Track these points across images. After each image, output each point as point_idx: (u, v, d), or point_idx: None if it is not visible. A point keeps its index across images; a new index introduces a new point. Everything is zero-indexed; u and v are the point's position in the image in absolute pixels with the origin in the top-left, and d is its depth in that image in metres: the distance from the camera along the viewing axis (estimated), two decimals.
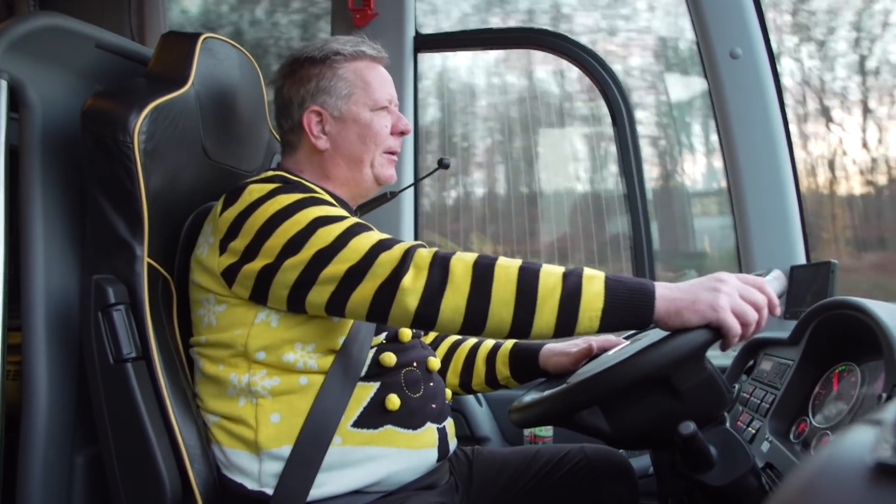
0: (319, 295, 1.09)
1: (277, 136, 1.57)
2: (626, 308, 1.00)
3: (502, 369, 1.44)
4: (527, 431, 1.92)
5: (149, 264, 1.22)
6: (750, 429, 1.41)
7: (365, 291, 1.06)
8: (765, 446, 1.29)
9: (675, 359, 0.97)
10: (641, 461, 1.70)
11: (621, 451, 1.47)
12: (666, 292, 0.99)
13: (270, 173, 1.27)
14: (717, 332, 0.98)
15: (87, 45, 1.32)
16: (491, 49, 2.31)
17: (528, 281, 1.02)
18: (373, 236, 1.10)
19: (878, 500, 0.38)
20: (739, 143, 1.88)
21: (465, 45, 2.28)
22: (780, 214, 1.86)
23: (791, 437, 1.28)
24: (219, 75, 1.39)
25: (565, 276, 1.02)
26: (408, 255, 1.05)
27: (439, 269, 1.03)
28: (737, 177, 1.90)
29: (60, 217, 1.23)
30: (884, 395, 0.98)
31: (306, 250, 1.10)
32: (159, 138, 1.23)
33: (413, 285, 1.03)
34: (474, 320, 1.03)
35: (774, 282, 1.07)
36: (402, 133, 1.37)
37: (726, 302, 0.97)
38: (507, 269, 1.03)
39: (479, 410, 1.99)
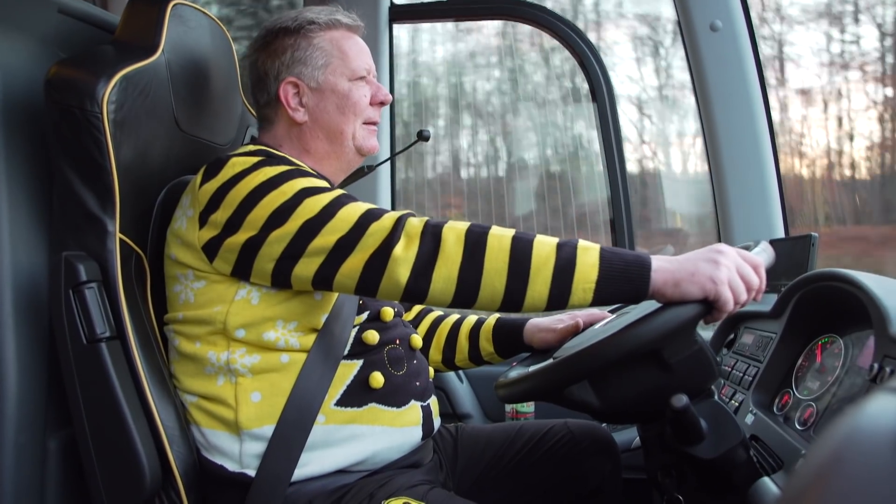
0: (307, 268, 1.06)
1: (251, 110, 1.52)
2: (622, 280, 0.98)
3: (486, 345, 1.42)
4: (508, 408, 1.92)
5: (121, 240, 1.17)
6: (733, 402, 1.41)
7: (354, 263, 1.03)
8: (749, 418, 1.29)
9: (668, 332, 0.96)
10: (625, 435, 1.71)
11: (605, 425, 1.47)
12: (663, 264, 0.98)
13: (252, 147, 1.23)
14: (709, 306, 0.97)
15: (49, 10, 1.26)
16: (468, 20, 2.27)
17: (521, 250, 0.99)
18: (361, 206, 1.07)
19: None
20: (719, 116, 1.87)
21: (442, 15, 2.24)
22: (760, 188, 1.86)
23: (774, 409, 1.29)
24: (190, 43, 1.34)
25: (559, 246, 1.00)
26: (399, 224, 1.02)
27: (431, 237, 1.00)
28: (716, 150, 1.89)
29: (26, 192, 1.17)
30: (875, 366, 0.98)
31: (292, 221, 1.06)
32: (129, 108, 1.17)
33: (405, 255, 1.00)
34: (466, 291, 1.00)
35: (763, 253, 1.07)
36: (382, 103, 1.34)
37: (725, 275, 0.95)
38: (501, 238, 1.00)
39: (461, 387, 1.98)
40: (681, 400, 0.97)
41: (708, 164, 1.94)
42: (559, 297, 0.99)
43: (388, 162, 2.16)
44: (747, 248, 1.07)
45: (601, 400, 1.06)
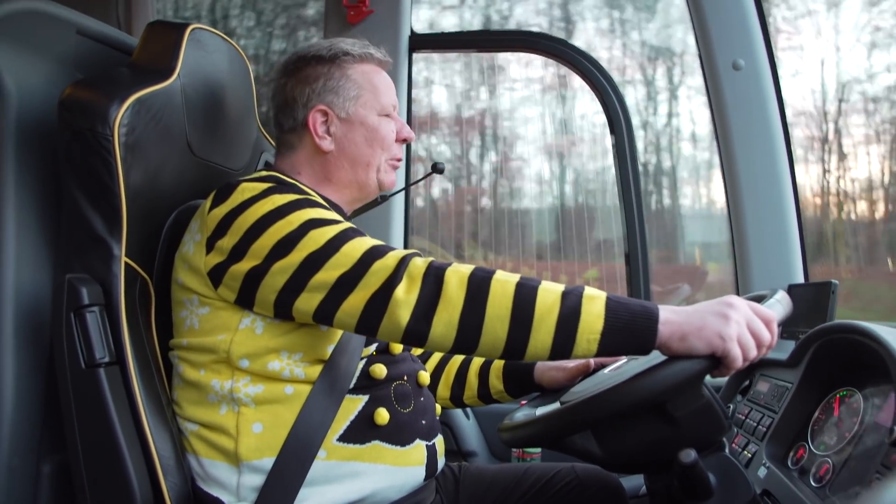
0: (308, 302, 1.04)
1: (267, 136, 1.51)
2: (627, 332, 0.94)
3: (496, 383, 1.39)
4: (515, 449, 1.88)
5: (126, 264, 1.16)
6: (746, 452, 1.37)
7: (355, 301, 1.01)
8: (762, 472, 1.25)
9: (672, 386, 0.94)
10: (634, 481, 1.66)
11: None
12: (671, 316, 0.94)
13: (264, 173, 1.22)
14: (717, 361, 0.93)
15: (68, 31, 1.26)
16: (487, 51, 2.26)
17: (525, 297, 0.96)
18: (366, 242, 1.05)
19: None
20: (739, 156, 1.84)
21: (462, 46, 2.24)
22: (780, 231, 1.82)
23: (789, 462, 1.25)
24: (207, 68, 1.34)
25: (564, 294, 0.97)
26: (402, 265, 1.00)
27: (434, 280, 0.98)
28: (736, 192, 1.86)
29: (34, 212, 1.16)
30: (895, 429, 0.94)
31: (296, 253, 1.04)
32: (141, 132, 1.17)
33: (406, 297, 0.98)
34: (467, 337, 0.97)
35: (778, 305, 1.03)
36: (405, 140, 1.34)
37: (735, 331, 0.92)
38: (504, 283, 0.97)
39: (467, 424, 1.94)
40: (689, 455, 0.94)
41: (727, 205, 1.91)
42: (563, 347, 0.96)
43: (404, 196, 2.15)
44: (762, 298, 1.04)
45: (603, 449, 1.04)
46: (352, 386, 1.14)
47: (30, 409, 1.12)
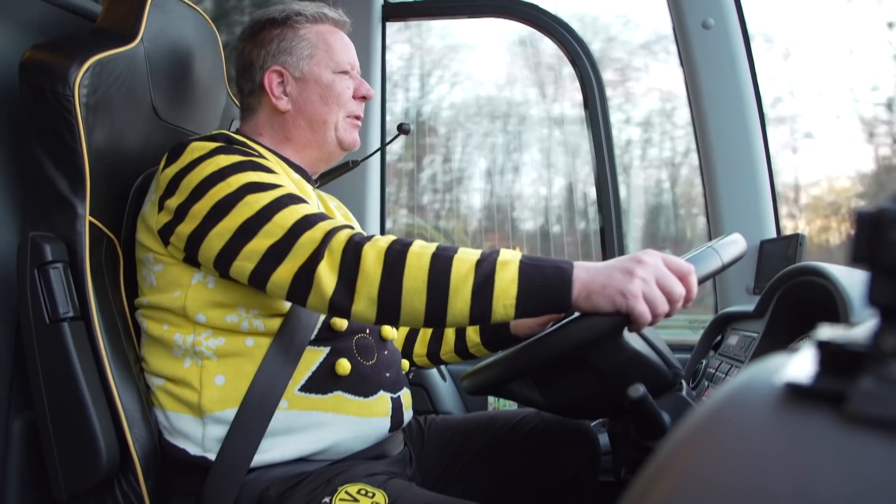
0: (242, 269, 1.06)
1: (236, 102, 1.52)
2: (542, 295, 0.95)
3: (473, 336, 1.40)
4: (490, 406, 1.89)
5: (91, 223, 1.17)
6: None
7: (284, 273, 1.02)
8: None
9: (583, 341, 0.94)
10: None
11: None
12: (581, 274, 0.94)
13: (215, 132, 1.23)
14: (626, 317, 0.93)
15: None
16: (462, 18, 2.26)
17: (440, 269, 0.97)
18: (299, 210, 1.06)
19: (786, 420, 0.35)
20: (710, 115, 1.84)
21: (436, 13, 2.24)
22: (751, 188, 1.82)
23: None
24: (171, 33, 1.35)
25: (479, 263, 0.97)
26: (326, 239, 1.01)
27: (352, 255, 0.99)
28: (707, 150, 1.86)
29: (1, 173, 1.18)
30: None
31: (231, 218, 1.06)
32: (103, 94, 1.18)
33: (328, 272, 0.99)
34: (387, 310, 0.99)
35: (731, 245, 1.04)
36: (364, 98, 1.35)
37: (639, 288, 0.91)
38: (420, 256, 0.98)
39: (442, 385, 1.95)
40: (637, 390, 0.95)
41: (699, 163, 1.91)
42: (480, 315, 0.97)
43: (379, 162, 2.15)
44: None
45: (545, 397, 1.07)
46: (313, 337, 1.16)
47: None
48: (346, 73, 1.31)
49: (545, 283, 0.95)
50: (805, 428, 0.33)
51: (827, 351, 0.36)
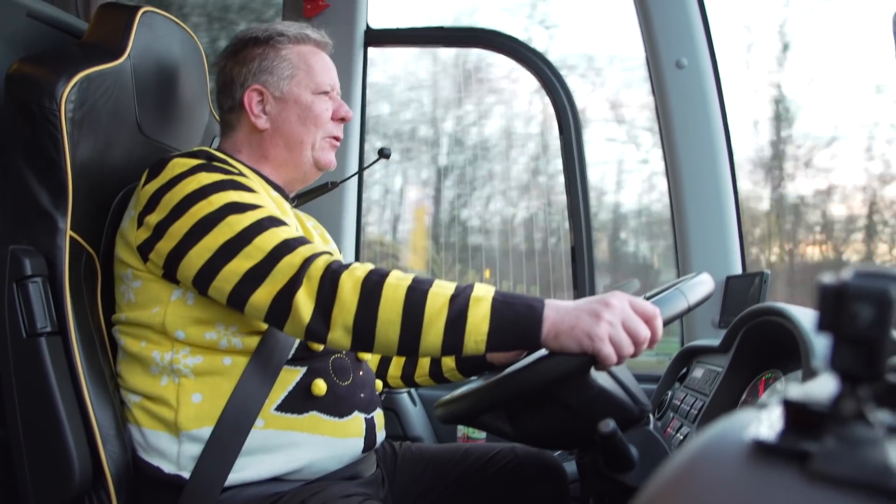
0: (220, 290, 1.07)
1: (218, 119, 1.54)
2: (512, 332, 0.98)
3: (448, 362, 1.42)
4: (460, 432, 1.91)
5: (72, 238, 1.18)
6: (679, 435, 1.42)
7: (262, 297, 1.04)
8: None
9: (550, 380, 0.97)
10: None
11: (558, 453, 1.48)
12: (552, 314, 0.97)
13: (196, 149, 1.24)
14: (592, 358, 0.96)
15: (17, 13, 1.28)
16: (441, 46, 2.30)
17: (414, 302, 0.99)
18: (279, 234, 1.07)
19: (753, 475, 0.38)
20: (682, 152, 1.90)
21: (416, 41, 2.28)
22: (719, 224, 1.88)
23: None
24: (158, 50, 1.36)
25: (453, 298, 1.00)
26: (305, 265, 1.03)
27: (329, 284, 1.01)
28: (678, 186, 1.92)
29: None
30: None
31: (212, 237, 1.07)
32: (89, 108, 1.19)
33: (305, 299, 1.01)
34: (362, 338, 1.01)
35: (699, 286, 1.08)
36: (343, 119, 1.36)
37: (605, 331, 0.94)
38: (396, 288, 1.00)
39: (413, 409, 1.97)
40: (608, 425, 0.98)
41: (669, 200, 1.97)
42: (452, 348, 0.99)
43: (357, 184, 2.18)
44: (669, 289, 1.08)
45: (515, 429, 1.10)
46: (290, 357, 1.17)
47: None
48: (326, 93, 1.33)
49: (516, 321, 0.98)
50: (770, 483, 0.35)
51: (792, 409, 0.39)
